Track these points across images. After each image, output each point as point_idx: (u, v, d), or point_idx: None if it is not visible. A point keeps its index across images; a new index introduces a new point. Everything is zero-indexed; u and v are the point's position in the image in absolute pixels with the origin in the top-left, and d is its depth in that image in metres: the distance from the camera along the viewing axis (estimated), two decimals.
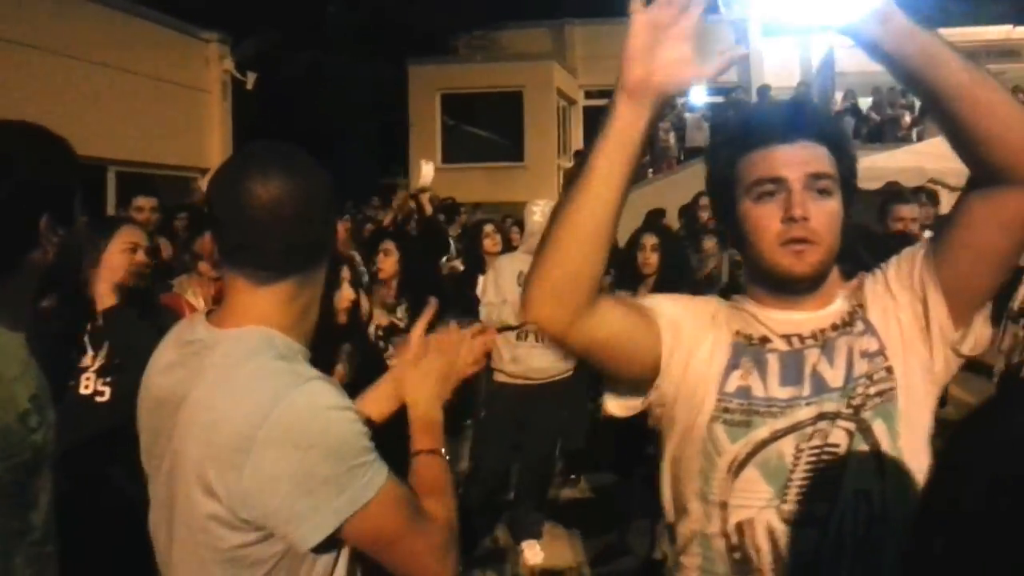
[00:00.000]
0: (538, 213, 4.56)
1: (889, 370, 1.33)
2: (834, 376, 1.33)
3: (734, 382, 1.35)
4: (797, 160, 1.34)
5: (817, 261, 1.34)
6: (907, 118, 14.86)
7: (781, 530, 1.29)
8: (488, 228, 6.09)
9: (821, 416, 1.30)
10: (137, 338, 2.36)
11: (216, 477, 1.18)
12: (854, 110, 15.54)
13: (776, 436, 1.31)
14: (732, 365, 1.37)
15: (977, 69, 1.17)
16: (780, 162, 1.34)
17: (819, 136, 1.37)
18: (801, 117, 1.39)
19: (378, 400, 1.56)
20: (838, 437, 1.29)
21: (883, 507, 1.27)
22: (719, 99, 16.53)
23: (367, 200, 12.00)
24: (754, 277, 1.44)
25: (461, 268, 6.39)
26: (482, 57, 18.62)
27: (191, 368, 1.28)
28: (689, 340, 1.38)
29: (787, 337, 1.38)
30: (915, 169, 8.24)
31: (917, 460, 1.30)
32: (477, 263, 5.86)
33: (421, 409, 1.48)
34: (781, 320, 1.40)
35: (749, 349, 1.38)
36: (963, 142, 1.20)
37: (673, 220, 7.96)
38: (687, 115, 15.81)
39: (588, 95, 19.53)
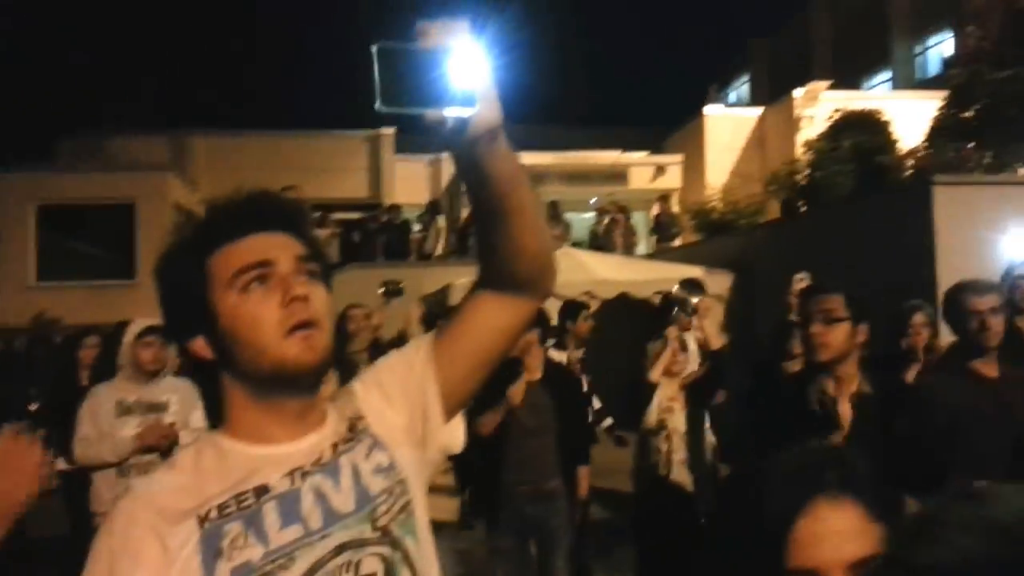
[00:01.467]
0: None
1: (403, 483, 1.30)
2: (344, 501, 1.24)
3: (225, 571, 1.15)
4: (280, 244, 1.27)
5: (324, 347, 1.25)
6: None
7: None
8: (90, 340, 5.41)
9: (343, 547, 1.21)
10: None
11: None
12: None
13: None
14: (212, 556, 1.16)
15: (535, 192, 1.26)
16: (264, 246, 1.26)
17: (289, 225, 1.31)
18: (269, 206, 1.31)
19: None
20: (371, 565, 1.22)
21: None
22: (353, 215, 16.64)
23: None
24: (246, 398, 1.27)
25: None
26: (88, 166, 17.20)
27: None
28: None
29: (290, 474, 1.24)
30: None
31: (434, 570, 1.30)
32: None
33: None
34: (279, 456, 1.25)
35: (236, 516, 1.19)
36: (507, 254, 1.26)
37: None
38: (317, 231, 15.59)
39: None
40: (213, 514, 1.19)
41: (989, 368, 3.29)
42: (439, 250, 15.24)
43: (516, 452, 4.38)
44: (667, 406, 4.90)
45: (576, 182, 20.27)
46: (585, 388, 5.89)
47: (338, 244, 15.49)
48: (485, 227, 1.26)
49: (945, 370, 3.59)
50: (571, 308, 6.46)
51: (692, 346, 5.51)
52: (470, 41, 1.06)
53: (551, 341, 5.98)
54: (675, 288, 5.42)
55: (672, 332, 5.04)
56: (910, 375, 4.18)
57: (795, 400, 2.91)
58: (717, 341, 4.84)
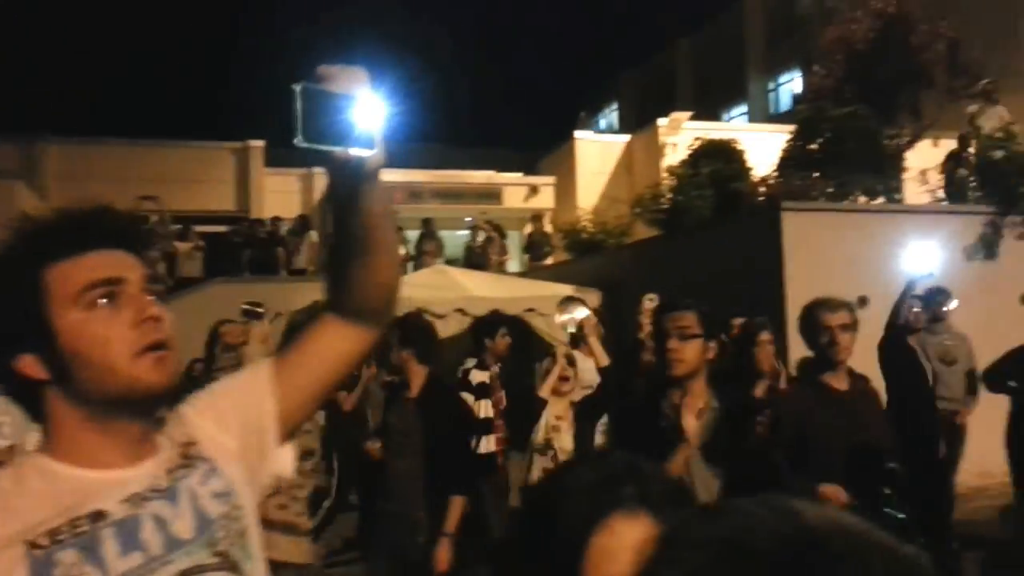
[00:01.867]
0: None
1: (240, 508, 1.29)
2: (184, 527, 1.21)
3: None
4: (126, 263, 1.23)
5: (173, 370, 1.23)
6: (401, 251, 15.95)
7: None
8: None
9: (185, 573, 1.19)
10: None
11: None
12: None
13: None
14: None
15: (396, 231, 1.37)
16: (110, 263, 1.21)
17: (131, 244, 1.27)
18: (113, 223, 1.27)
19: None
20: None
21: None
22: (220, 228, 16.12)
23: None
24: (81, 420, 1.21)
25: None
26: None
27: None
28: None
29: (128, 500, 1.20)
30: (405, 299, 8.70)
31: None
32: None
33: None
34: (114, 480, 1.20)
35: (71, 543, 1.13)
36: (361, 284, 1.32)
37: None
38: (177, 244, 15.02)
39: None
40: (43, 540, 1.13)
41: (839, 381, 3.48)
42: (309, 265, 15.00)
43: (386, 475, 4.16)
44: (555, 424, 4.88)
45: (451, 200, 20.39)
46: (503, 405, 5.64)
47: (202, 258, 14.99)
48: (345, 257, 1.31)
49: (797, 383, 3.84)
50: (487, 325, 6.12)
51: (587, 363, 5.30)
52: (370, 88, 1.16)
53: (471, 361, 5.80)
54: (559, 306, 5.46)
55: (560, 349, 5.04)
56: (758, 390, 4.39)
57: (646, 415, 2.96)
58: (604, 359, 4.76)
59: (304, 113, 1.10)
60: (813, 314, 3.50)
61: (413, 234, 15.90)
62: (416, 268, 13.56)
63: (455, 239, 18.12)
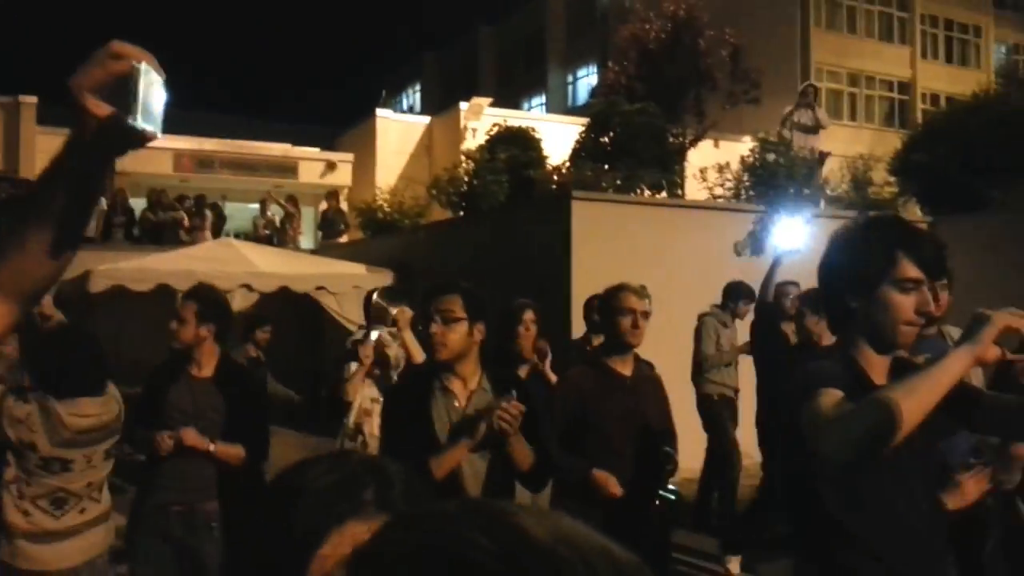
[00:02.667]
0: None
1: None
2: None
3: None
4: None
5: None
6: (185, 221, 15.01)
7: None
8: None
9: None
10: None
11: None
12: (127, 210, 15.06)
13: None
14: None
15: None
16: None
17: None
18: None
19: None
20: None
21: None
22: None
23: None
24: None
25: None
26: None
27: None
28: None
29: None
30: (186, 272, 8.19)
31: None
32: None
33: None
34: None
35: None
36: (41, 256, 1.21)
37: None
38: None
39: None
40: None
41: (624, 366, 3.59)
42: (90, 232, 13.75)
43: (169, 463, 3.73)
44: (367, 408, 4.77)
45: (243, 171, 19.46)
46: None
47: None
48: (45, 220, 1.18)
49: (581, 365, 3.90)
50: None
51: (396, 352, 5.08)
52: (158, 69, 1.17)
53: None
54: (375, 297, 5.27)
55: (365, 350, 4.87)
56: (522, 371, 4.37)
57: (415, 399, 2.90)
58: (419, 354, 4.59)
59: (143, 94, 1.12)
60: (618, 297, 3.58)
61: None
62: (193, 243, 12.88)
63: (246, 212, 17.31)
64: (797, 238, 5.26)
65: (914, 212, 11.27)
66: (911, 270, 1.94)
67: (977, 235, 9.02)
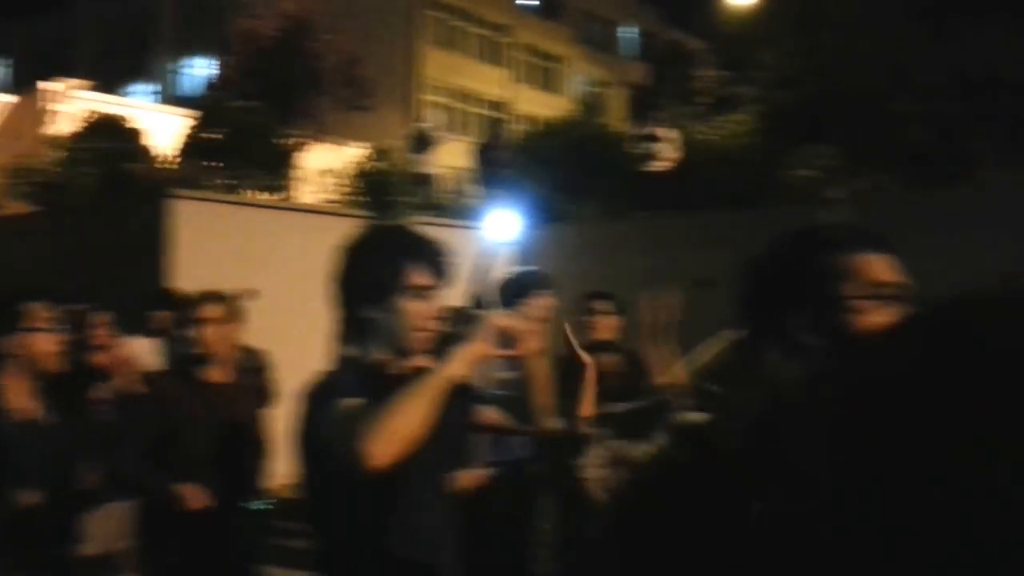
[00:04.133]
0: None
1: None
2: None
3: None
4: None
5: None
6: None
7: None
8: None
9: None
10: None
11: None
12: None
13: None
14: None
15: None
16: None
17: None
18: None
19: None
20: None
21: None
22: None
23: None
24: None
25: None
26: None
27: None
28: None
29: None
30: None
31: None
32: None
33: None
34: None
35: None
36: None
37: None
38: None
39: None
40: None
41: (216, 374, 3.50)
42: None
43: None
44: None
45: None
46: None
47: None
48: None
49: (167, 374, 3.69)
50: None
51: None
52: None
53: None
54: None
55: None
56: (100, 391, 4.05)
57: None
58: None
59: None
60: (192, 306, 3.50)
61: None
62: None
63: None
64: (511, 230, 5.15)
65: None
66: (419, 277, 1.98)
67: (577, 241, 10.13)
